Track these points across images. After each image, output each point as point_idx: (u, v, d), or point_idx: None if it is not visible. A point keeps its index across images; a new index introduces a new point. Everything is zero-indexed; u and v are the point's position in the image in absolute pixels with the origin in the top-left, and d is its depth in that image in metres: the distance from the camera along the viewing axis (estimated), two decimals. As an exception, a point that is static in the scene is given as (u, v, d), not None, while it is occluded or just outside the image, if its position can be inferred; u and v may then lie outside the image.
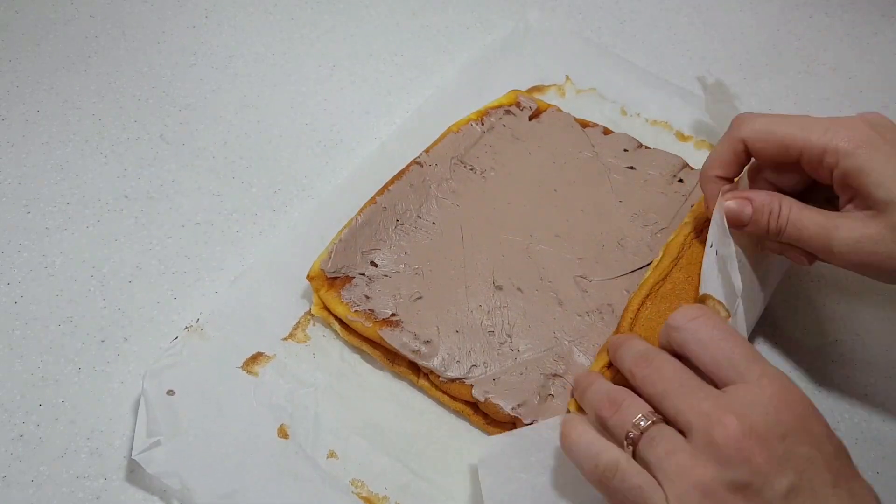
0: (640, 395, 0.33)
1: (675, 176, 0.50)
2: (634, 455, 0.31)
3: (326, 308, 0.42)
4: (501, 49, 0.59)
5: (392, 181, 0.46)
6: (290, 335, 0.43)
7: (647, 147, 0.51)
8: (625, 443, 0.31)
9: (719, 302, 0.37)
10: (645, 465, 0.30)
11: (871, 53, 0.65)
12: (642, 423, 0.31)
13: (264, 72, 0.58)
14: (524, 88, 0.57)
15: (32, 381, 0.41)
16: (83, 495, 0.37)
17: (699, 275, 0.40)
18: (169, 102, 0.56)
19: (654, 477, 0.30)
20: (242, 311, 0.43)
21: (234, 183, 0.51)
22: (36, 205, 0.49)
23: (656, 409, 0.32)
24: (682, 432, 0.30)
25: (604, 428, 0.33)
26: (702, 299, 0.38)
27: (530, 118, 0.52)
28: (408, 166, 0.47)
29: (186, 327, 0.41)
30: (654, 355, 0.34)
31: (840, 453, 0.30)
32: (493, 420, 0.40)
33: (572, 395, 0.38)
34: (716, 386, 0.31)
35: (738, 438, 0.28)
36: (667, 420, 0.31)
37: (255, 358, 0.41)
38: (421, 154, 0.48)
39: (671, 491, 0.29)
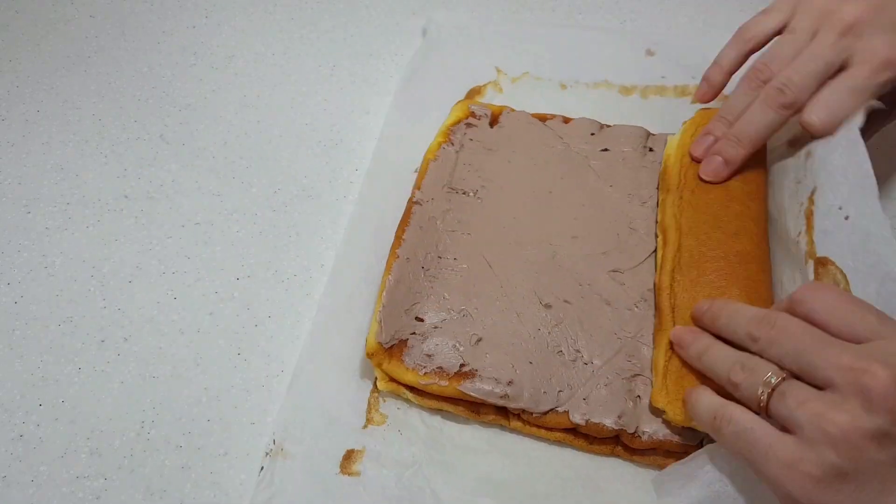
0: (766, 359, 0.33)
1: (645, 147, 0.50)
2: (768, 414, 0.31)
3: (393, 380, 0.40)
4: (423, 62, 0.57)
5: (401, 228, 0.45)
6: (368, 421, 0.40)
7: (608, 126, 0.51)
8: (759, 403, 0.31)
9: (840, 269, 0.36)
10: (779, 421, 0.31)
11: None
12: (773, 379, 0.31)
13: (264, 72, 0.58)
14: (460, 94, 0.56)
15: (32, 381, 0.41)
16: (83, 495, 0.37)
17: (706, 234, 0.41)
18: (169, 102, 0.56)
19: (788, 430, 0.30)
20: (311, 415, 0.40)
21: (234, 183, 0.51)
22: (36, 205, 0.49)
23: (790, 369, 0.32)
24: (818, 388, 0.30)
25: (735, 393, 0.33)
26: (821, 262, 0.37)
27: (491, 125, 0.51)
28: (409, 208, 0.46)
29: (267, 453, 0.39)
30: (775, 316, 0.33)
31: None
32: (595, 439, 0.39)
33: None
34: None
35: (886, 386, 0.28)
36: (801, 378, 0.31)
37: (349, 457, 0.39)
38: (414, 192, 0.46)
39: (802, 436, 0.29)
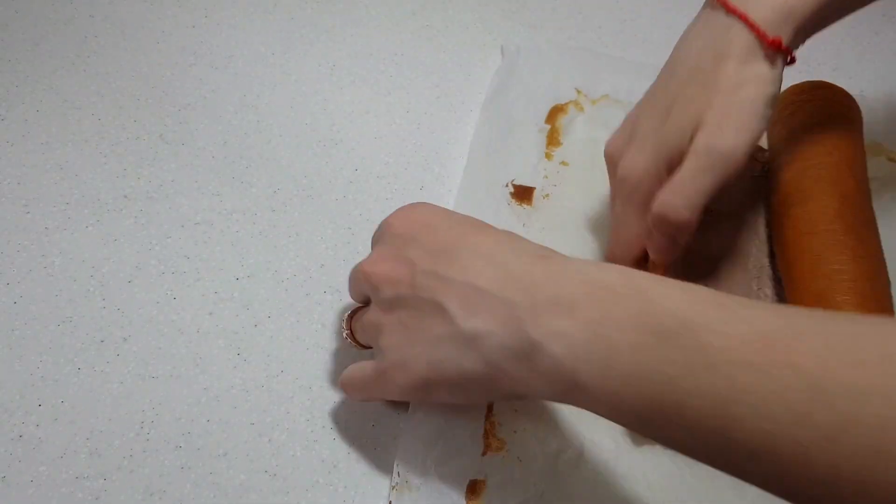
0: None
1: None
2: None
3: None
4: (504, 81, 0.57)
5: None
6: (486, 447, 0.39)
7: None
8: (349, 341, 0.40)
9: None
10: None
11: (871, 53, 0.65)
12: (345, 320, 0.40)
13: (264, 72, 0.58)
14: (542, 113, 0.56)
15: (32, 381, 0.41)
16: (83, 495, 0.37)
17: None
18: (169, 102, 0.56)
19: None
20: (431, 446, 0.39)
21: (233, 183, 0.51)
22: (36, 205, 0.49)
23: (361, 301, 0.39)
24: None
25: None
26: None
27: None
28: None
29: (393, 486, 0.38)
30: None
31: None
32: None
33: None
34: None
35: (379, 275, 0.36)
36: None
37: (473, 489, 0.38)
38: None
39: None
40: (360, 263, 0.37)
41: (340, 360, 0.43)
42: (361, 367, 0.38)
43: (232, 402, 0.41)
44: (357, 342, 0.40)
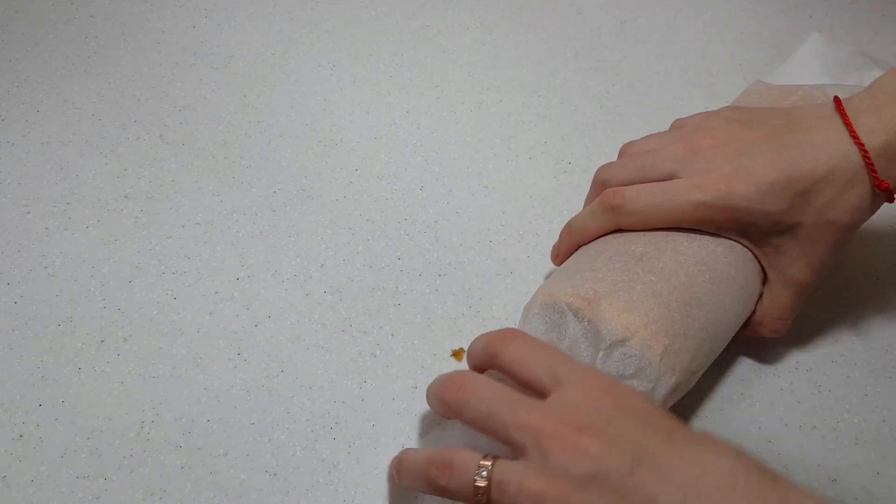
0: (462, 421, 0.33)
1: None
2: None
3: None
4: None
5: None
6: None
7: None
8: (478, 500, 0.31)
9: None
10: None
11: (871, 53, 0.65)
12: (484, 473, 0.31)
13: (264, 72, 0.58)
14: None
15: (32, 381, 0.41)
16: (83, 495, 0.37)
17: None
18: (169, 102, 0.56)
19: None
20: None
21: (234, 183, 0.51)
22: (36, 205, 0.49)
23: (484, 432, 0.32)
24: (517, 450, 0.31)
25: (446, 495, 0.32)
26: None
27: None
28: None
29: None
30: (463, 378, 0.34)
31: (666, 415, 0.31)
32: None
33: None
34: (540, 397, 0.32)
35: (570, 441, 0.29)
36: (498, 440, 0.32)
37: None
38: None
39: None
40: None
41: (340, 360, 0.43)
42: None
43: (232, 402, 0.41)
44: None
